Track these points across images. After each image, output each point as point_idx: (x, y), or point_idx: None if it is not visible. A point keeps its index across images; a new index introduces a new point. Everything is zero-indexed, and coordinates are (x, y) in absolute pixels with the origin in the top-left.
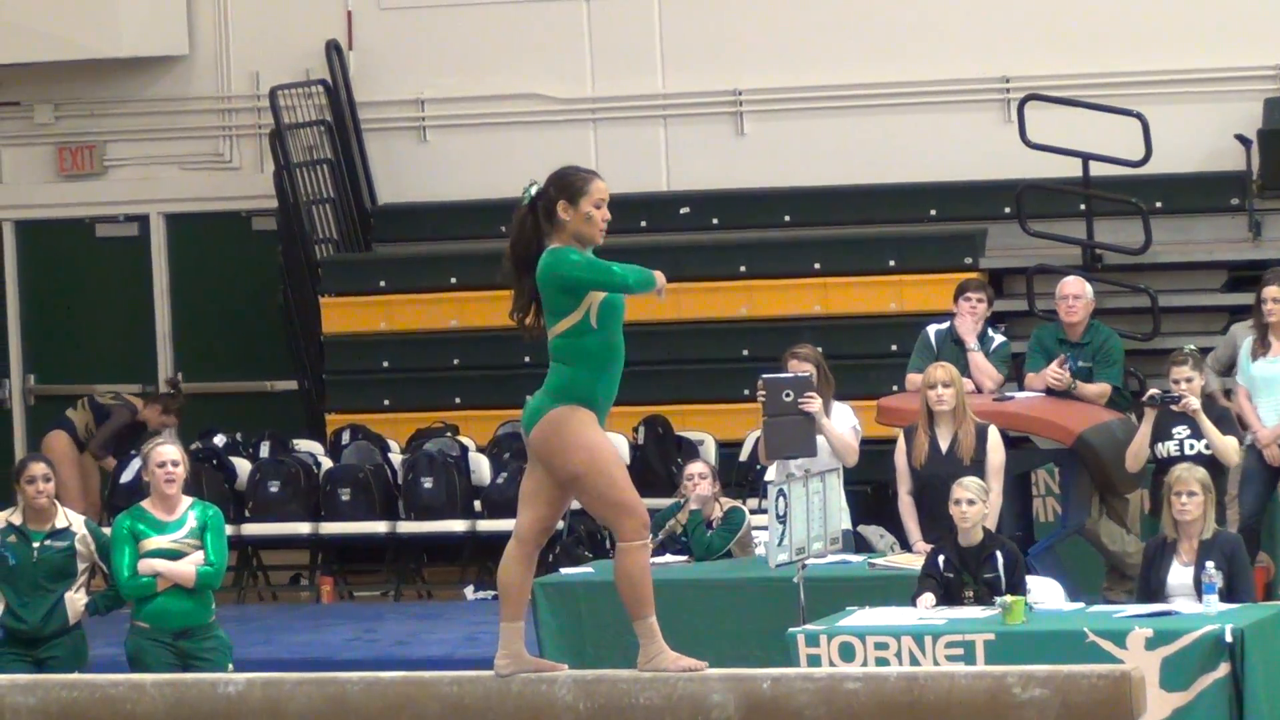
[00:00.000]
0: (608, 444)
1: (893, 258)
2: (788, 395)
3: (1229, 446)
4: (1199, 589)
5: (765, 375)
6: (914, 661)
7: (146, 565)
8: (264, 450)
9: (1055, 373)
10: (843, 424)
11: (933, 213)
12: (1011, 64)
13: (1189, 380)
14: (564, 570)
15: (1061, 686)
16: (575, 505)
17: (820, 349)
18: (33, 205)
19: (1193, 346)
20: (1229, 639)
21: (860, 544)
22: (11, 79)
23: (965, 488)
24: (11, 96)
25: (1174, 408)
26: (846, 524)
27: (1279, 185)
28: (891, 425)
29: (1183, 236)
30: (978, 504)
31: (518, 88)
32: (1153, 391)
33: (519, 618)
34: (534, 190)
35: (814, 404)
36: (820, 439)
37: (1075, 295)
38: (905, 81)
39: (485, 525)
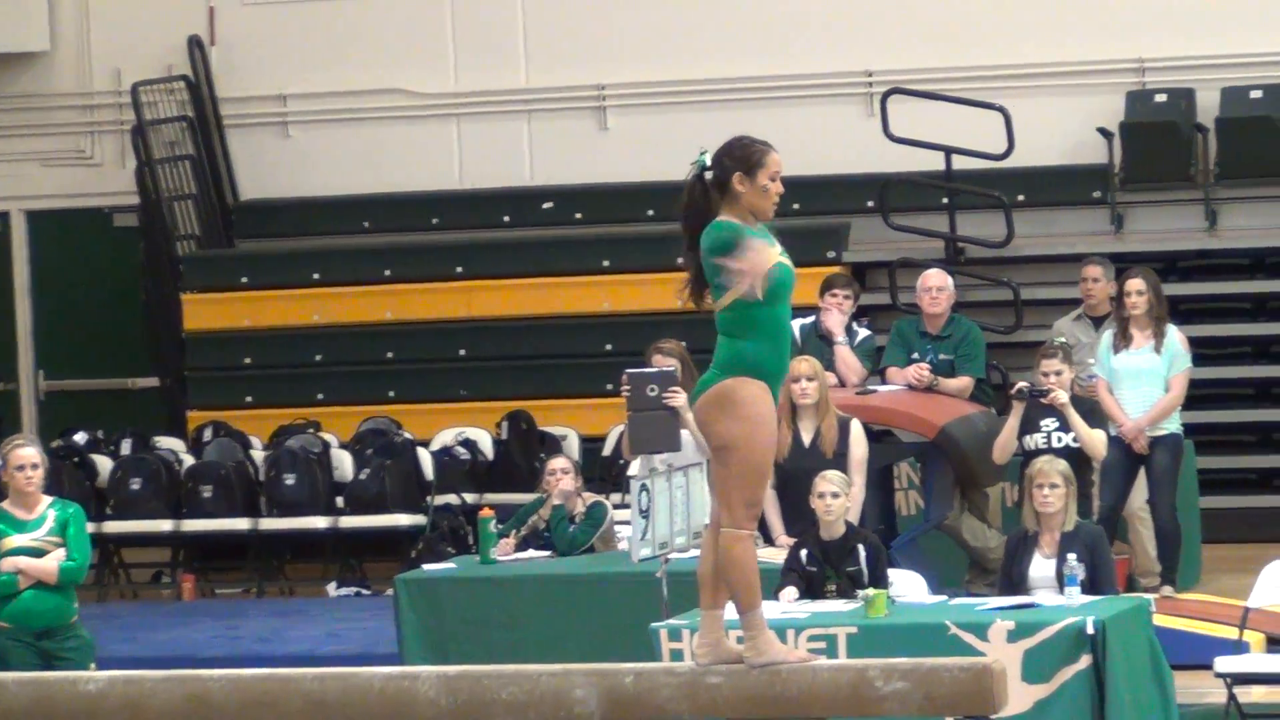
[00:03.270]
0: (772, 426)
1: None
2: (652, 390)
3: (1097, 439)
4: (1061, 581)
5: (629, 370)
6: None
7: (9, 562)
8: (125, 447)
9: (917, 374)
10: None
11: (795, 206)
12: (874, 58)
13: (1058, 373)
14: (426, 566)
15: (923, 679)
16: (439, 501)
17: (685, 343)
18: None
19: (1063, 339)
20: (1091, 631)
21: None
22: None
23: (828, 481)
24: None
25: (1042, 400)
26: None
27: (1141, 178)
28: None
29: (1045, 230)
30: (840, 497)
31: (381, 83)
32: (1021, 384)
33: (714, 606)
34: (707, 159)
35: (678, 399)
36: (685, 434)
37: (938, 287)
38: (768, 75)
39: (348, 522)
